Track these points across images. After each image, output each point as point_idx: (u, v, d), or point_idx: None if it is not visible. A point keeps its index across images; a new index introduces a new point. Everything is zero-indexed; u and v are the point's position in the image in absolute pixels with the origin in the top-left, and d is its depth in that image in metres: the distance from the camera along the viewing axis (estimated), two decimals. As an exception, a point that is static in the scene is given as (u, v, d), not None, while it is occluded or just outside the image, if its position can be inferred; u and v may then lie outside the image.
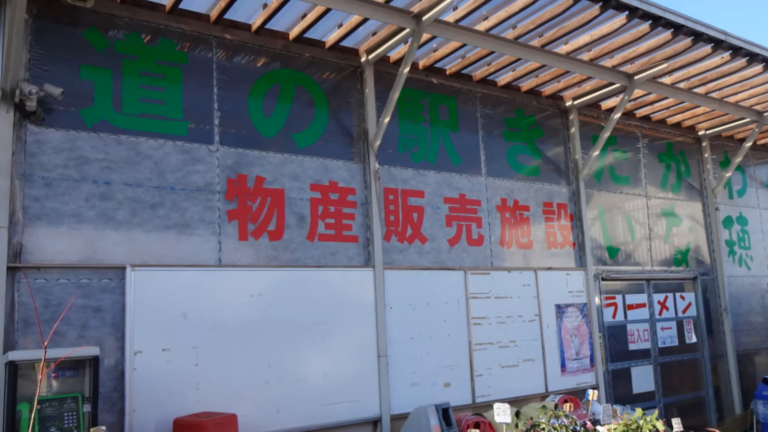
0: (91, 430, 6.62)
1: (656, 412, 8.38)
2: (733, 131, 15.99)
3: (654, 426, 7.90)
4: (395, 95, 9.81)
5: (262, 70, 9.50)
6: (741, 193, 16.61)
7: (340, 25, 9.64)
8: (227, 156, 8.93)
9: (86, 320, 7.63)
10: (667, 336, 14.12)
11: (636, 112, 14.27)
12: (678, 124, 15.23)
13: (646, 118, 14.61)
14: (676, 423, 8.34)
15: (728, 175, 15.50)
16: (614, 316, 13.20)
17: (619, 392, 12.97)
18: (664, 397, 13.80)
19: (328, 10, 8.94)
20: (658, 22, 10.21)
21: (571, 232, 12.69)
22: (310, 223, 9.51)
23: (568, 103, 12.99)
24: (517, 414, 9.56)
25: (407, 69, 9.64)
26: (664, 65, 11.43)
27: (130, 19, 8.43)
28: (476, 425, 9.45)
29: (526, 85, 12.26)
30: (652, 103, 13.80)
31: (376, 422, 9.61)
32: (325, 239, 9.62)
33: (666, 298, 14.28)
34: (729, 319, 15.21)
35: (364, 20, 9.31)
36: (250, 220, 8.98)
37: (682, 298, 14.62)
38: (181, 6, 8.61)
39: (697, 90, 13.01)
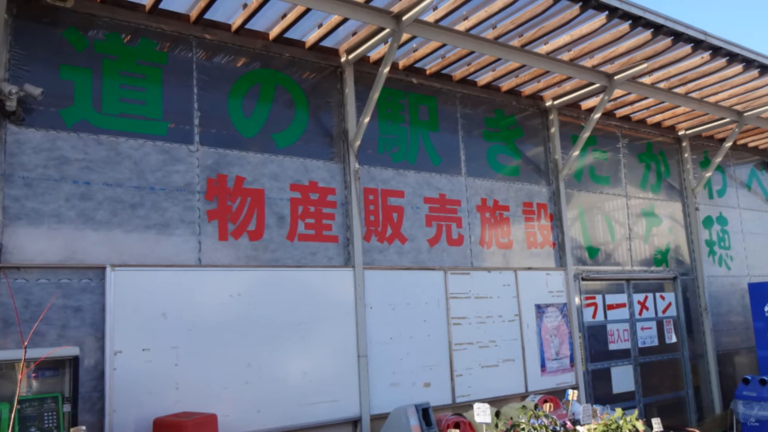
0: (71, 430, 6.72)
1: (636, 412, 8.42)
2: (713, 131, 16.30)
3: (634, 426, 7.97)
4: (375, 95, 10.01)
5: (242, 70, 9.70)
6: (721, 193, 16.95)
7: (320, 25, 9.82)
8: (207, 156, 9.11)
9: (66, 320, 7.78)
10: (647, 336, 14.38)
11: (616, 112, 14.55)
12: (658, 124, 15.53)
13: (626, 118, 14.89)
14: (656, 423, 8.42)
15: (708, 175, 15.82)
16: (594, 316, 13.46)
17: (599, 392, 13.23)
18: (644, 397, 14.08)
19: (308, 11, 9.11)
20: (638, 22, 10.41)
21: (551, 232, 12.94)
22: (290, 223, 9.70)
23: (548, 103, 13.25)
24: (497, 414, 9.63)
25: (387, 69, 9.83)
26: (644, 65, 11.64)
27: (110, 19, 8.61)
28: (456, 425, 9.56)
29: (506, 85, 12.49)
30: (632, 103, 14.06)
31: (356, 422, 9.81)
32: (305, 239, 9.81)
33: (646, 298, 14.56)
34: (709, 319, 15.52)
35: (344, 20, 9.49)
36: (229, 220, 9.16)
37: (662, 298, 14.91)
38: (161, 6, 8.78)
39: (677, 90, 13.27)
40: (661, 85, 12.99)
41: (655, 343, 14.53)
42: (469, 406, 10.17)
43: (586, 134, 12.75)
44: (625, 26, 10.57)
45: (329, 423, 9.53)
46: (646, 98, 13.61)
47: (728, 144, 15.24)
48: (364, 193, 10.50)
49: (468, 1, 9.47)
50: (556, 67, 11.52)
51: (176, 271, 8.58)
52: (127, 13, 8.68)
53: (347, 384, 9.77)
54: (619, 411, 8.33)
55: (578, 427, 8.50)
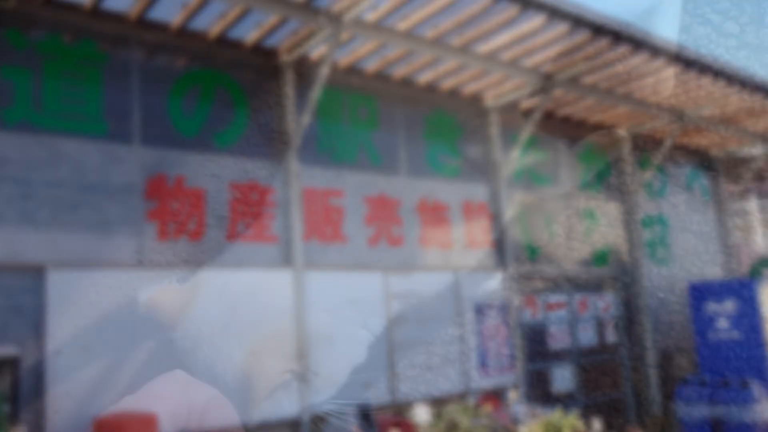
0: (12, 430, 7.07)
1: (576, 412, 8.88)
2: (653, 131, 16.94)
3: (573, 426, 8.43)
4: (315, 95, 10.59)
5: (182, 70, 10.26)
6: (661, 193, 17.91)
7: (260, 26, 10.28)
8: (147, 156, 9.61)
9: (6, 320, 8.24)
10: (587, 336, 15.02)
11: (556, 112, 15.22)
12: (598, 124, 16.26)
13: (567, 118, 15.65)
14: (596, 423, 8.85)
15: (648, 175, 16.63)
16: (534, 316, 14.06)
17: (539, 392, 13.92)
18: (584, 396, 14.79)
19: (247, 11, 9.66)
20: (578, 22, 11.08)
21: (491, 232, 13.51)
22: (230, 223, 10.17)
23: (489, 103, 13.94)
24: (438, 414, 10.05)
25: (327, 69, 10.40)
26: (585, 65, 12.32)
27: (51, 20, 9.08)
28: (396, 425, 10.04)
29: (446, 85, 13.16)
30: (572, 103, 14.76)
31: (296, 422, 10.33)
32: (245, 239, 10.34)
33: (586, 298, 15.24)
34: (649, 318, 16.25)
35: (284, 20, 10.03)
36: (170, 220, 9.58)
37: (602, 298, 15.59)
38: (102, 6, 9.27)
39: (617, 90, 14.01)
40: (602, 85, 13.69)
41: (595, 343, 15.19)
42: (409, 405, 10.64)
43: (526, 134, 13.46)
44: (565, 26, 11.19)
45: (269, 423, 10.03)
46: (586, 98, 14.29)
47: (668, 144, 16.05)
48: (304, 193, 11.03)
49: (408, 1, 10.05)
50: (496, 67, 12.22)
51: (116, 272, 8.99)
52: (67, 13, 9.19)
53: (287, 384, 10.27)
54: (559, 411, 8.75)
55: (518, 427, 8.89)
